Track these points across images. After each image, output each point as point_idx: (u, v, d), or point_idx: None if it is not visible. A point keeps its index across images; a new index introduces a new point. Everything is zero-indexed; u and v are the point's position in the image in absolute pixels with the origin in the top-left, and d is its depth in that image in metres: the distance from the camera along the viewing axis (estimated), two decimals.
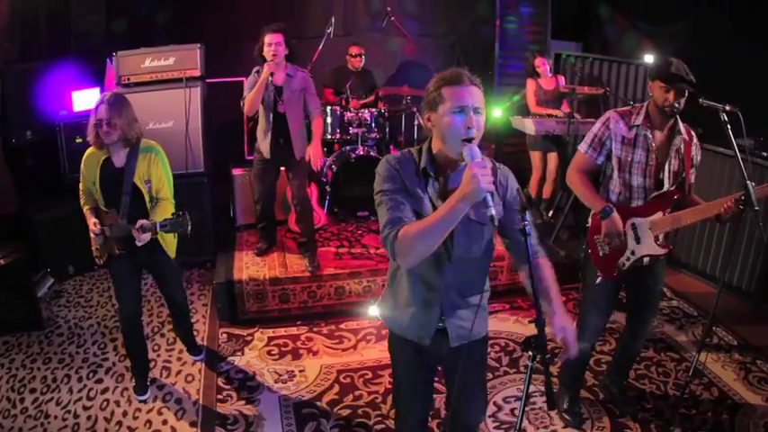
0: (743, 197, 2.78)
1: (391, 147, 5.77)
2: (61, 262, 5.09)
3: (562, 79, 5.61)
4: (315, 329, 4.51)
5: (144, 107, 4.78)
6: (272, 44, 4.33)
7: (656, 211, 3.05)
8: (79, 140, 5.16)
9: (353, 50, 6.01)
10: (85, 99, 5.23)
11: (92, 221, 3.45)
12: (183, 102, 4.82)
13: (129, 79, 4.79)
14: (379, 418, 3.56)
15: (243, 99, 4.49)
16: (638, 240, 3.08)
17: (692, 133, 3.06)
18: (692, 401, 3.63)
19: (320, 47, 5.12)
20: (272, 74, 4.36)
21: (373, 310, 4.65)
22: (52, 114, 5.08)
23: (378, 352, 4.22)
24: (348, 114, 5.54)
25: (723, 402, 3.65)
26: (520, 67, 6.01)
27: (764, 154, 4.56)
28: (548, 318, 2.10)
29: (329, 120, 5.61)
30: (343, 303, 4.74)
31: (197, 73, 4.91)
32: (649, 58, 5.53)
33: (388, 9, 5.44)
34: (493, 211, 1.86)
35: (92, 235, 3.52)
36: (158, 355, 4.15)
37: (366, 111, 5.58)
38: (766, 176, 4.40)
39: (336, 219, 5.65)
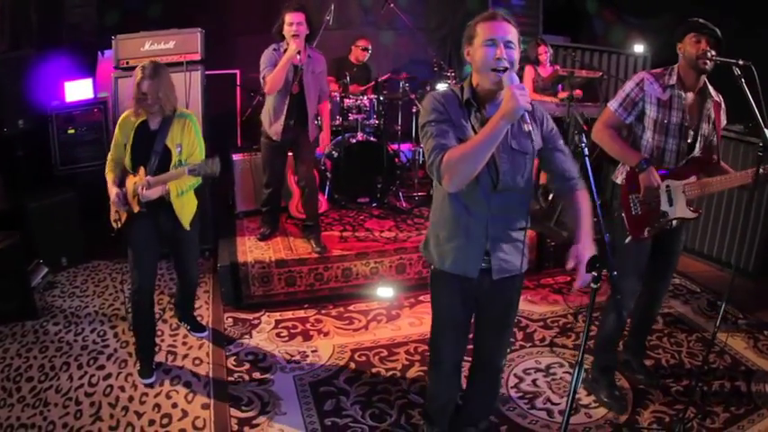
0: (762, 145, 2.82)
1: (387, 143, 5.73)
2: (54, 254, 4.92)
3: (559, 67, 5.71)
4: (323, 312, 4.43)
5: None
6: (293, 23, 4.20)
7: (690, 175, 3.08)
8: (71, 131, 5.06)
9: (362, 43, 6.09)
10: (78, 90, 5.11)
11: (114, 191, 3.43)
12: (183, 86, 4.71)
13: (128, 63, 4.67)
14: (401, 393, 3.50)
15: (262, 77, 4.32)
16: (670, 202, 3.10)
17: (721, 98, 3.09)
18: (708, 369, 3.65)
19: (318, 37, 5.09)
20: (299, 52, 4.21)
21: (382, 291, 4.62)
22: (44, 104, 4.95)
23: (390, 331, 4.17)
24: (347, 101, 5.52)
25: (737, 368, 3.71)
26: None
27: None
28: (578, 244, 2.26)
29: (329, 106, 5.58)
30: (351, 286, 4.67)
31: (197, 57, 4.82)
32: (639, 48, 5.66)
33: None
34: (529, 127, 2.01)
35: (112, 201, 3.51)
36: (162, 340, 4.01)
37: (365, 98, 5.57)
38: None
39: (337, 205, 5.59)
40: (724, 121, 3.16)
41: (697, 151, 3.08)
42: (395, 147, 5.81)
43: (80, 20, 5.37)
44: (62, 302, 4.54)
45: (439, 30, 6.35)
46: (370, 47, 6.11)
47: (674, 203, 3.10)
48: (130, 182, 3.43)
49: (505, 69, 2.11)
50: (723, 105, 3.11)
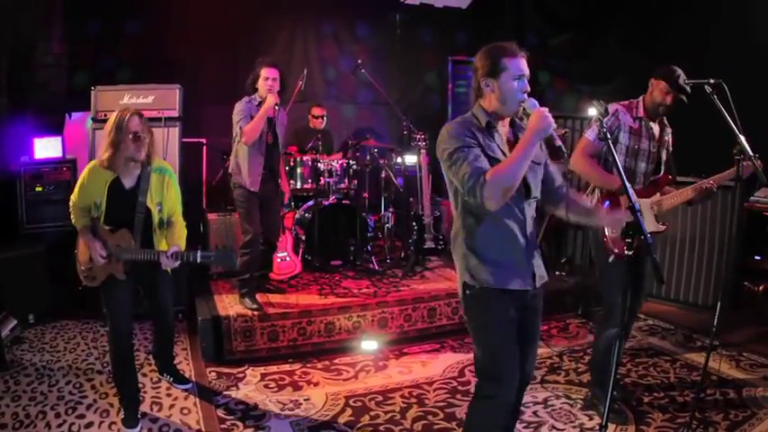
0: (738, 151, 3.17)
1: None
2: (21, 310, 4.59)
3: None
4: (309, 365, 4.28)
5: None
6: (269, 78, 4.39)
7: (654, 193, 3.41)
8: (39, 189, 4.89)
9: (316, 112, 6.26)
10: (47, 147, 5.00)
11: (97, 245, 3.20)
12: (160, 141, 4.67)
13: (105, 115, 4.60)
14: None
15: (239, 127, 4.39)
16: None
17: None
18: (699, 387, 3.73)
19: (290, 103, 5.24)
20: (277, 105, 4.42)
21: (366, 345, 4.53)
22: (13, 159, 4.80)
23: (381, 379, 4.06)
24: (321, 165, 5.59)
25: (725, 384, 3.86)
26: None
27: None
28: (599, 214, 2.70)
29: (299, 170, 5.66)
30: (333, 341, 4.55)
31: (175, 114, 4.85)
32: (593, 111, 6.07)
33: (359, 61, 5.70)
34: (559, 142, 2.27)
35: (84, 258, 3.31)
36: (145, 392, 3.75)
37: (336, 162, 5.68)
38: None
39: (310, 267, 5.54)
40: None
41: (660, 173, 3.44)
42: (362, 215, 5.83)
43: (49, 79, 5.31)
44: (32, 356, 4.23)
45: (399, 104, 6.65)
46: (324, 113, 6.31)
47: (644, 220, 3.35)
48: (111, 239, 3.24)
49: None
50: (670, 130, 3.52)
